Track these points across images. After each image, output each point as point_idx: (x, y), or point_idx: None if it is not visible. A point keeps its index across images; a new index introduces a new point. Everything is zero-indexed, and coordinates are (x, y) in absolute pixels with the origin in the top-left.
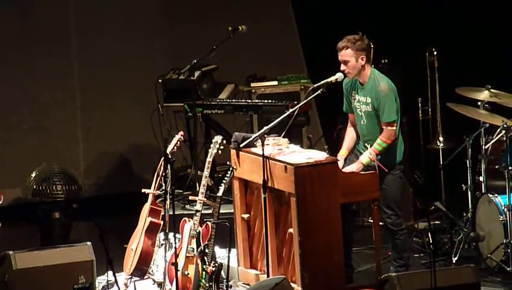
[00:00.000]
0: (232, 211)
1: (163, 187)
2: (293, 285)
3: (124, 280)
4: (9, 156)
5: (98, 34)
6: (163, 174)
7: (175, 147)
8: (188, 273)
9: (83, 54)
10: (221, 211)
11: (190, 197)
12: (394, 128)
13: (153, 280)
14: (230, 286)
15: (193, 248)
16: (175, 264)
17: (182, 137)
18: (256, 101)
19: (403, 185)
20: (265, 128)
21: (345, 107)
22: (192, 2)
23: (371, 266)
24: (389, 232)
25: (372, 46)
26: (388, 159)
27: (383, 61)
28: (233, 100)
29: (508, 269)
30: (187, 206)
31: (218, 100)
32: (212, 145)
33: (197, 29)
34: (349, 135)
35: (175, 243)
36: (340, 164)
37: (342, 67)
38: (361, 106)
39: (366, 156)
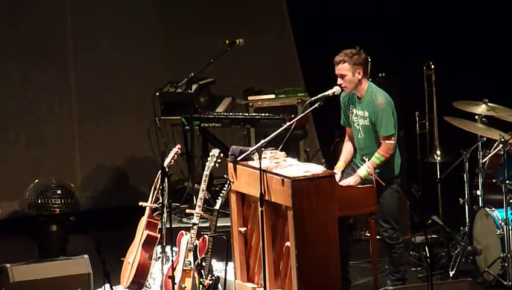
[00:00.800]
0: (229, 224)
1: (160, 200)
2: None
3: None
4: (6, 169)
5: (95, 47)
6: (160, 187)
7: (172, 160)
8: (185, 287)
9: (80, 67)
10: (218, 225)
11: (187, 211)
12: (392, 142)
13: None
14: None
15: (190, 261)
16: (172, 278)
17: (179, 150)
18: (254, 114)
19: (400, 199)
20: (262, 141)
21: (342, 121)
22: (190, 16)
23: (368, 280)
24: (386, 246)
25: (369, 60)
26: (386, 173)
27: (380, 74)
28: (231, 113)
29: (505, 283)
30: (184, 220)
31: (215, 113)
32: (209, 159)
33: (195, 43)
34: (347, 148)
35: (172, 256)
36: (337, 176)
37: (339, 81)
38: (358, 120)
39: (364, 169)
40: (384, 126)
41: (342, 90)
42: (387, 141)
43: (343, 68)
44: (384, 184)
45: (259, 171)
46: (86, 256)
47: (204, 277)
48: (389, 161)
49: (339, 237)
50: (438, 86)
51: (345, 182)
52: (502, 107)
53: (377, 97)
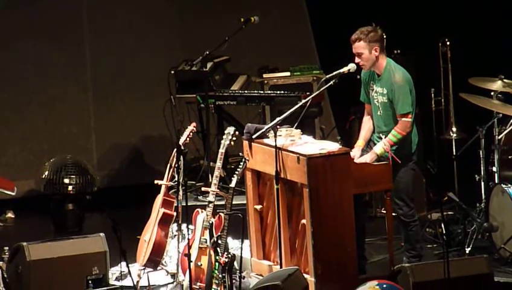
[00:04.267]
0: (244, 202)
1: (176, 178)
2: (306, 276)
3: (137, 271)
4: (22, 148)
5: (110, 26)
6: (176, 165)
7: (187, 138)
8: (201, 265)
9: (95, 45)
10: (233, 202)
11: (203, 189)
12: (409, 120)
13: (166, 271)
14: (243, 277)
15: (206, 239)
16: (188, 255)
17: (194, 128)
18: (269, 92)
19: (415, 176)
20: (277, 119)
21: (362, 97)
22: None
23: (384, 257)
24: (401, 224)
25: (385, 36)
26: (402, 151)
27: (395, 51)
28: (246, 91)
29: None
30: (200, 198)
31: (230, 91)
32: (224, 137)
33: (209, 21)
34: (366, 126)
35: (188, 234)
36: (357, 154)
37: (357, 59)
38: (378, 96)
39: (381, 146)
40: (401, 104)
41: (359, 68)
42: (404, 119)
43: (359, 46)
44: (400, 162)
45: (274, 149)
46: (102, 234)
47: (220, 254)
48: (406, 139)
49: (355, 214)
50: (453, 63)
51: (361, 159)
52: None
53: (394, 74)
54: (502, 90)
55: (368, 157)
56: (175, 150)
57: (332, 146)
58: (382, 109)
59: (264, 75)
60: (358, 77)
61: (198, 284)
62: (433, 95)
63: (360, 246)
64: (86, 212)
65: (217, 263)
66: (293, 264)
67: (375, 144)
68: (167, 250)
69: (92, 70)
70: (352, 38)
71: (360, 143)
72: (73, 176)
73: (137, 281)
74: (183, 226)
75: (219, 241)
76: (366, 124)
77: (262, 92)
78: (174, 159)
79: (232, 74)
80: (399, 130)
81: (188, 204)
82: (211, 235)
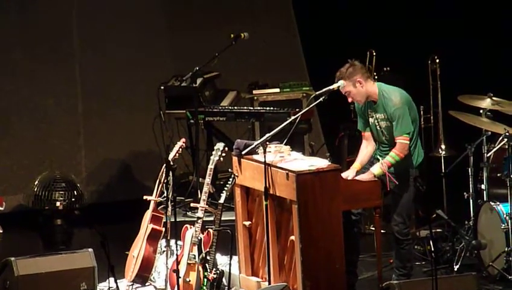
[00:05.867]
0: (233, 218)
1: (165, 194)
2: None
3: (126, 287)
4: (11, 163)
5: (100, 41)
6: (165, 181)
7: (177, 154)
8: (190, 281)
9: (85, 61)
10: (222, 218)
11: (192, 204)
12: (407, 142)
13: (155, 287)
14: None
15: (195, 255)
16: (176, 271)
17: (183, 144)
18: (258, 108)
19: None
20: (267, 135)
21: (359, 126)
22: (195, 10)
23: (372, 274)
24: (394, 241)
25: (363, 66)
26: (403, 166)
27: (385, 69)
28: (235, 107)
29: (510, 277)
30: (189, 213)
31: (220, 107)
32: (214, 152)
33: (199, 36)
34: (363, 151)
35: (176, 250)
36: (351, 174)
37: (349, 99)
38: (380, 122)
39: (378, 167)
40: (400, 126)
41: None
42: (402, 141)
43: (343, 87)
44: (397, 183)
45: (264, 165)
46: (90, 250)
47: (208, 270)
48: (406, 156)
49: (348, 231)
50: (442, 80)
51: (356, 178)
52: (506, 101)
53: (391, 98)
54: (491, 108)
55: (364, 177)
56: (164, 165)
57: (321, 163)
58: (387, 133)
59: (254, 92)
60: (351, 107)
61: None
62: (422, 112)
63: (352, 263)
64: (74, 228)
65: (205, 279)
66: (281, 281)
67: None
68: (156, 266)
69: (81, 84)
70: (335, 82)
71: (356, 166)
72: (62, 192)
73: None
74: (172, 242)
75: (208, 257)
76: (364, 149)
77: (252, 108)
78: (163, 175)
79: (222, 89)
80: (397, 152)
81: (177, 220)
82: (200, 251)
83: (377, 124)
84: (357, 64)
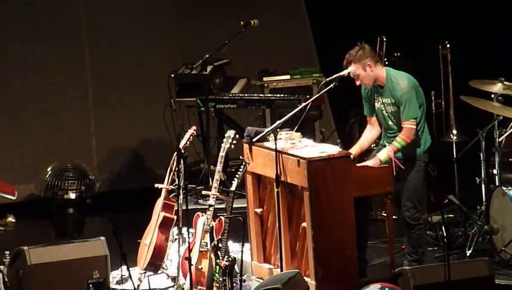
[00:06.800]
0: (245, 205)
1: (177, 182)
2: (306, 279)
3: (138, 275)
4: (22, 153)
5: (110, 30)
6: (176, 169)
7: (188, 142)
8: (202, 268)
9: (95, 49)
10: (234, 206)
11: (203, 192)
12: (414, 127)
13: (167, 275)
14: (244, 280)
15: (206, 243)
16: (189, 259)
17: (194, 132)
18: (269, 95)
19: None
20: (277, 122)
21: (366, 111)
22: None
23: (385, 260)
24: (405, 226)
25: (372, 49)
26: (411, 151)
27: (395, 54)
28: (246, 94)
29: None
30: (200, 201)
31: (230, 95)
32: (224, 140)
33: (209, 24)
34: (365, 136)
35: (188, 237)
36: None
37: (357, 82)
38: (386, 107)
39: (385, 152)
40: (407, 111)
41: (365, 86)
42: (408, 125)
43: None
44: (403, 168)
45: (275, 152)
46: (102, 238)
47: (220, 258)
48: (414, 141)
49: (357, 217)
50: (453, 65)
51: (364, 164)
52: None
53: (398, 82)
54: (502, 93)
55: (371, 162)
56: (175, 153)
57: (332, 149)
58: (394, 118)
59: (264, 78)
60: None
61: (199, 287)
62: (433, 97)
63: (361, 249)
64: (86, 217)
65: (217, 267)
66: (293, 268)
67: None
68: (168, 254)
69: (91, 74)
70: (344, 65)
71: (354, 150)
72: (73, 181)
73: (138, 285)
74: (184, 229)
75: (220, 245)
76: (367, 133)
77: (262, 95)
78: (175, 163)
79: (232, 77)
80: (404, 137)
81: (189, 208)
82: (212, 239)
83: (383, 108)
84: (366, 48)
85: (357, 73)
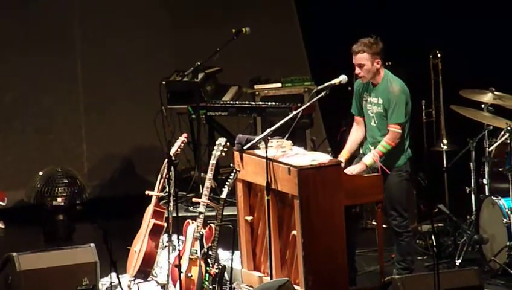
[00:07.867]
0: (235, 213)
1: (167, 189)
2: (296, 287)
3: (128, 282)
4: (13, 159)
5: (102, 36)
6: (167, 176)
7: (178, 149)
8: (192, 275)
9: (87, 56)
10: (224, 213)
11: (193, 199)
12: (399, 131)
13: (157, 282)
14: (234, 288)
15: (196, 250)
16: (178, 266)
17: (185, 139)
18: (260, 103)
19: (408, 188)
20: (268, 130)
21: (353, 108)
22: (197, 5)
23: (375, 269)
24: (394, 234)
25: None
26: (392, 160)
27: (386, 63)
28: (237, 102)
29: None
30: (190, 208)
31: (221, 102)
32: (215, 147)
33: (201, 32)
34: (352, 138)
35: (178, 245)
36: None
37: (357, 70)
38: (372, 107)
39: (370, 157)
40: (395, 114)
41: (356, 79)
42: (394, 130)
43: (362, 58)
44: (389, 172)
45: (265, 160)
46: (92, 245)
47: (210, 265)
48: (396, 150)
49: (346, 226)
50: (444, 75)
51: (349, 169)
52: (508, 96)
53: (392, 84)
54: (492, 103)
55: (357, 168)
56: (166, 160)
57: (323, 157)
58: (377, 119)
59: (256, 86)
60: (349, 88)
61: None
62: (424, 107)
63: (350, 258)
64: (76, 223)
65: (207, 274)
66: (283, 276)
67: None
68: (157, 261)
69: (83, 79)
70: (355, 50)
71: (344, 154)
72: (64, 187)
73: None
74: (174, 237)
75: (209, 252)
76: (353, 136)
77: (253, 103)
78: (165, 170)
79: (224, 84)
80: (389, 141)
81: (179, 215)
82: (202, 246)
83: (369, 108)
84: (381, 45)
85: (363, 63)
